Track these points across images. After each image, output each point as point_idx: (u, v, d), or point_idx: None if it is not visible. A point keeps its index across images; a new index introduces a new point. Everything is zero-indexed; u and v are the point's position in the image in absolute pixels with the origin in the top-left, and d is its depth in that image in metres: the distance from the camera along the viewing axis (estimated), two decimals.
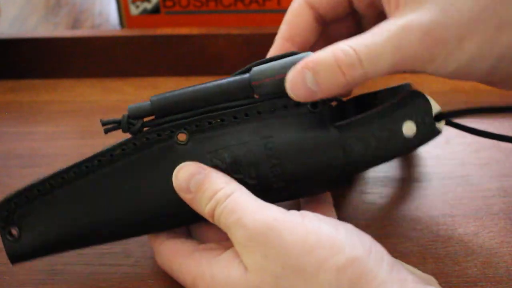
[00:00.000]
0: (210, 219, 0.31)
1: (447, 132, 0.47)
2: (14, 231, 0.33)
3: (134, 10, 0.56)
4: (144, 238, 0.38)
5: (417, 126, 0.32)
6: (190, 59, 0.54)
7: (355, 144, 0.32)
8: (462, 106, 0.48)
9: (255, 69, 0.32)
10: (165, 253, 0.33)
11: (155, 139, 0.32)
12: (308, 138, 0.32)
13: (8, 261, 0.33)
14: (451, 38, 0.28)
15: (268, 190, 0.32)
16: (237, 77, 0.32)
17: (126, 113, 0.33)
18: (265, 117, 0.32)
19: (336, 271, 0.27)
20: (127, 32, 0.53)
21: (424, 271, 0.35)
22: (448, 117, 0.33)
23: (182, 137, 0.32)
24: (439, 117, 0.33)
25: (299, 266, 0.27)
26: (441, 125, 0.33)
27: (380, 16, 0.34)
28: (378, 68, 0.29)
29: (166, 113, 0.32)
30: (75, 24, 0.63)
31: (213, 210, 0.30)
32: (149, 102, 0.32)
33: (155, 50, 0.53)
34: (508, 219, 0.39)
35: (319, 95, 0.30)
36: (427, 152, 0.44)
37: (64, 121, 0.49)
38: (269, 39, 0.53)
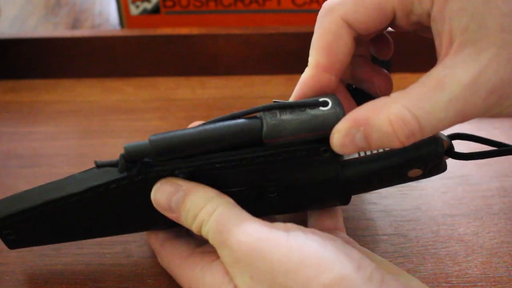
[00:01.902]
0: (199, 235, 0.30)
1: (447, 132, 0.47)
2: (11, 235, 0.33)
3: (134, 10, 0.56)
4: (144, 238, 0.38)
5: (424, 172, 0.32)
6: (190, 59, 0.54)
7: (357, 185, 0.32)
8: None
9: (270, 124, 0.29)
10: (165, 254, 0.33)
11: (153, 178, 0.30)
12: (312, 181, 0.31)
13: (8, 261, 0.33)
14: None
15: (259, 198, 0.32)
16: (248, 126, 0.29)
17: (122, 151, 0.29)
18: (270, 161, 0.30)
19: None
20: (127, 32, 0.53)
21: (424, 271, 0.35)
22: (457, 158, 0.33)
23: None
24: (448, 154, 0.33)
25: (285, 286, 0.27)
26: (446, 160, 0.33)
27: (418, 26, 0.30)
28: (438, 130, 0.27)
29: (166, 155, 0.29)
30: (75, 24, 0.63)
31: (200, 229, 0.30)
32: (147, 142, 0.29)
33: (155, 50, 0.53)
34: (508, 219, 0.39)
35: (367, 150, 0.28)
36: None
37: (64, 121, 0.49)
38: (269, 39, 0.53)
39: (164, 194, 0.30)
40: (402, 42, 0.53)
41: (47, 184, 0.32)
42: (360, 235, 0.38)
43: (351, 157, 0.31)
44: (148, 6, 0.56)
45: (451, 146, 0.33)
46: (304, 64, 0.47)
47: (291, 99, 0.31)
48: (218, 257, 0.31)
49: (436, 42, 0.28)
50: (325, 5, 0.30)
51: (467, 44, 0.26)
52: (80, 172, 0.32)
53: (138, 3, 0.56)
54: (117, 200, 0.31)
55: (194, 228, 0.30)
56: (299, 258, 0.27)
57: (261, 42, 0.53)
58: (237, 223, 0.29)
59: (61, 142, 0.47)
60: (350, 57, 0.30)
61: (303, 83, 0.30)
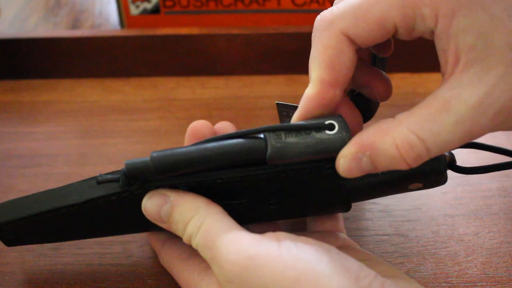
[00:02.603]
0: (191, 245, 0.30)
1: None
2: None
3: (134, 10, 0.56)
4: (144, 238, 0.38)
5: (424, 185, 0.33)
6: (190, 59, 0.54)
7: (358, 197, 0.33)
8: None
9: (274, 147, 0.28)
10: (165, 255, 0.34)
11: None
12: (315, 195, 0.31)
13: (8, 261, 0.33)
14: None
15: (259, 208, 0.32)
16: (251, 146, 0.28)
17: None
18: (272, 177, 0.29)
19: None
20: (127, 32, 0.53)
21: (424, 271, 0.35)
22: (459, 172, 0.33)
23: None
24: (451, 168, 0.33)
25: None
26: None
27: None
28: (444, 151, 0.26)
29: (167, 172, 0.29)
30: (75, 24, 0.63)
31: (190, 242, 0.30)
32: (148, 159, 0.28)
33: (155, 50, 0.53)
34: (508, 219, 0.39)
35: (373, 172, 0.28)
36: None
37: (64, 121, 0.49)
38: (269, 39, 0.53)
39: (153, 205, 0.30)
40: (402, 42, 0.53)
41: (48, 191, 0.32)
42: (360, 235, 0.38)
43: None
44: (148, 6, 0.56)
45: (453, 160, 0.33)
46: (304, 64, 0.47)
47: (296, 115, 0.30)
48: None
49: (441, 60, 0.27)
50: (322, 17, 0.28)
51: (473, 63, 0.25)
52: (81, 181, 0.32)
53: (138, 3, 0.56)
54: (117, 208, 0.31)
55: (185, 240, 0.30)
56: (295, 276, 0.26)
57: (261, 42, 0.53)
58: (226, 238, 0.28)
59: (61, 142, 0.47)
60: (353, 70, 0.29)
61: (308, 100, 0.29)
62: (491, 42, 0.25)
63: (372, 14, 0.27)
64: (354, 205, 0.40)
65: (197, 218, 0.29)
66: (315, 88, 0.29)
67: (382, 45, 0.32)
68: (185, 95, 0.52)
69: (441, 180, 0.33)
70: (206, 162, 0.28)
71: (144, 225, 0.32)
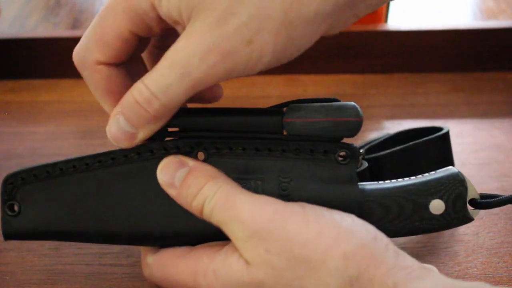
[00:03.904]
0: (198, 215, 0.30)
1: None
2: (16, 207, 0.32)
3: None
4: None
5: (446, 207, 0.31)
6: None
7: (375, 209, 0.31)
8: (465, 111, 0.48)
9: (291, 106, 0.31)
10: (159, 260, 0.32)
11: (173, 152, 0.31)
12: (327, 190, 0.31)
13: (8, 261, 0.33)
14: (239, 45, 0.27)
15: (270, 193, 0.31)
16: (271, 110, 0.31)
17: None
18: (288, 156, 0.31)
19: (344, 257, 0.27)
20: None
21: None
22: (483, 208, 0.32)
23: (201, 156, 0.31)
24: (473, 204, 0.32)
25: (304, 257, 0.27)
26: (475, 212, 0.32)
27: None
28: (175, 96, 0.28)
29: (191, 128, 0.31)
30: (75, 24, 0.63)
31: (202, 206, 0.30)
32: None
33: None
34: (508, 219, 0.39)
35: (142, 135, 0.30)
36: None
37: (64, 121, 0.49)
38: None
39: (171, 167, 0.31)
40: (402, 42, 0.53)
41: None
42: None
43: (369, 184, 0.32)
44: None
45: (478, 200, 0.32)
46: (304, 64, 0.47)
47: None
48: (222, 248, 0.30)
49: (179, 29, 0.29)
50: (75, 58, 0.31)
51: (190, 16, 0.27)
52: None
53: None
54: (134, 180, 0.32)
55: (194, 207, 0.30)
56: (318, 229, 0.27)
57: None
58: (246, 198, 0.29)
59: (61, 142, 0.47)
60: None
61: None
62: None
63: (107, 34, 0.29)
64: None
65: (213, 183, 0.30)
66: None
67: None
68: None
69: (466, 213, 0.32)
70: (228, 123, 0.31)
71: (154, 222, 0.31)
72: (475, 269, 0.35)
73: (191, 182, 0.30)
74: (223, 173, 0.31)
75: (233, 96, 0.52)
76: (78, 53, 0.31)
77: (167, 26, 0.29)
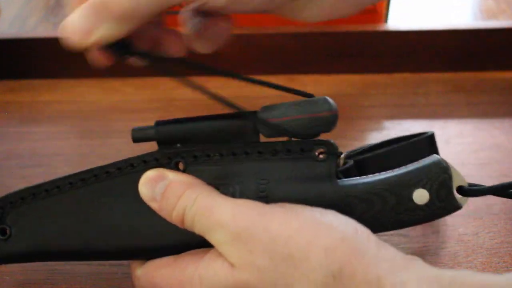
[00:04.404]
0: (180, 225, 0.30)
1: (447, 131, 0.47)
2: (7, 231, 0.32)
3: None
4: None
5: (431, 196, 0.30)
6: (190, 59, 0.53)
7: (357, 204, 0.30)
8: (465, 111, 0.48)
9: (263, 106, 0.31)
10: (147, 272, 0.31)
11: (153, 164, 0.31)
12: (306, 188, 0.30)
13: None
14: None
15: (249, 196, 0.31)
16: (244, 113, 0.31)
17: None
18: (265, 158, 0.31)
19: (325, 252, 0.27)
20: None
21: None
22: (471, 195, 0.31)
23: (180, 166, 0.31)
24: (461, 192, 0.31)
25: (287, 254, 0.27)
26: (464, 200, 0.31)
27: None
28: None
29: (170, 141, 0.31)
30: None
31: (182, 215, 0.30)
32: (153, 128, 0.31)
33: None
34: (508, 219, 0.39)
35: (98, 33, 0.28)
36: None
37: (64, 121, 0.49)
38: (269, 39, 0.53)
39: (150, 182, 0.31)
40: (402, 42, 0.53)
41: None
42: None
43: (349, 180, 0.31)
44: None
45: (465, 188, 0.31)
46: (304, 64, 0.47)
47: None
48: (205, 254, 0.30)
49: None
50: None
51: None
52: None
53: None
54: (119, 194, 0.32)
55: (175, 217, 0.30)
56: (298, 225, 0.28)
57: (261, 42, 0.53)
58: (226, 203, 0.29)
59: (61, 142, 0.47)
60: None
61: None
62: None
63: None
64: None
65: (192, 191, 0.30)
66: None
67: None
68: (185, 95, 0.52)
69: (451, 198, 0.31)
70: (205, 133, 0.31)
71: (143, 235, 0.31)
72: (475, 269, 0.35)
73: (169, 194, 0.30)
74: (201, 181, 0.31)
75: (233, 96, 0.51)
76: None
77: None
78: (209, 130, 0.31)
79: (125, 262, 0.36)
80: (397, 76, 0.54)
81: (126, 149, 0.46)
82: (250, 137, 0.31)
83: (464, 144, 0.45)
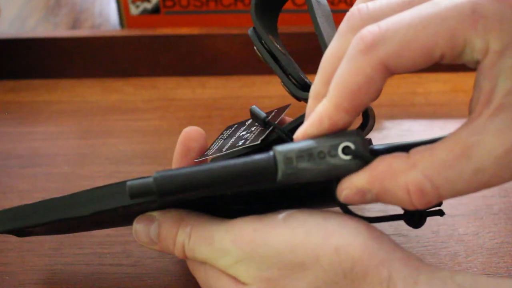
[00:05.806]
0: (184, 258, 0.31)
1: (447, 131, 0.47)
2: None
3: (134, 10, 0.56)
4: None
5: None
6: (190, 59, 0.54)
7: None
8: (465, 111, 0.48)
9: (285, 174, 0.26)
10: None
11: (136, 208, 0.30)
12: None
13: (8, 261, 0.33)
14: None
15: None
16: (261, 168, 0.26)
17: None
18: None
19: (336, 251, 0.27)
20: (127, 32, 0.53)
21: None
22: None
23: None
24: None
25: (296, 261, 0.27)
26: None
27: None
28: (455, 197, 0.25)
29: (170, 194, 0.26)
30: (75, 24, 0.63)
31: (183, 251, 0.30)
32: (152, 180, 0.26)
33: (155, 50, 0.53)
34: (508, 219, 0.39)
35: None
36: None
37: (64, 121, 0.49)
38: None
39: (142, 228, 0.31)
40: None
41: (54, 200, 0.31)
42: None
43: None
44: (148, 6, 0.56)
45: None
46: (304, 64, 0.47)
47: (303, 132, 0.27)
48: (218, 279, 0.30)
49: (474, 95, 0.25)
50: (365, 39, 0.25)
51: (506, 108, 0.23)
52: (89, 190, 0.30)
53: (138, 3, 0.56)
54: (119, 215, 0.31)
55: (177, 254, 0.30)
56: (304, 232, 0.27)
57: None
58: (222, 228, 0.29)
59: (61, 142, 0.47)
60: (375, 98, 0.26)
61: (319, 122, 0.26)
62: None
63: (419, 43, 0.24)
64: (354, 206, 0.40)
65: (184, 225, 0.30)
66: (329, 111, 0.26)
67: None
68: (185, 95, 0.52)
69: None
70: (212, 184, 0.26)
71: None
72: (475, 269, 0.35)
73: (164, 235, 0.30)
74: (189, 211, 0.31)
75: (233, 96, 0.52)
76: (373, 31, 0.25)
77: None
78: (217, 177, 0.26)
79: (125, 262, 0.36)
80: (397, 76, 0.54)
81: (126, 149, 0.46)
82: (268, 182, 0.27)
83: None
